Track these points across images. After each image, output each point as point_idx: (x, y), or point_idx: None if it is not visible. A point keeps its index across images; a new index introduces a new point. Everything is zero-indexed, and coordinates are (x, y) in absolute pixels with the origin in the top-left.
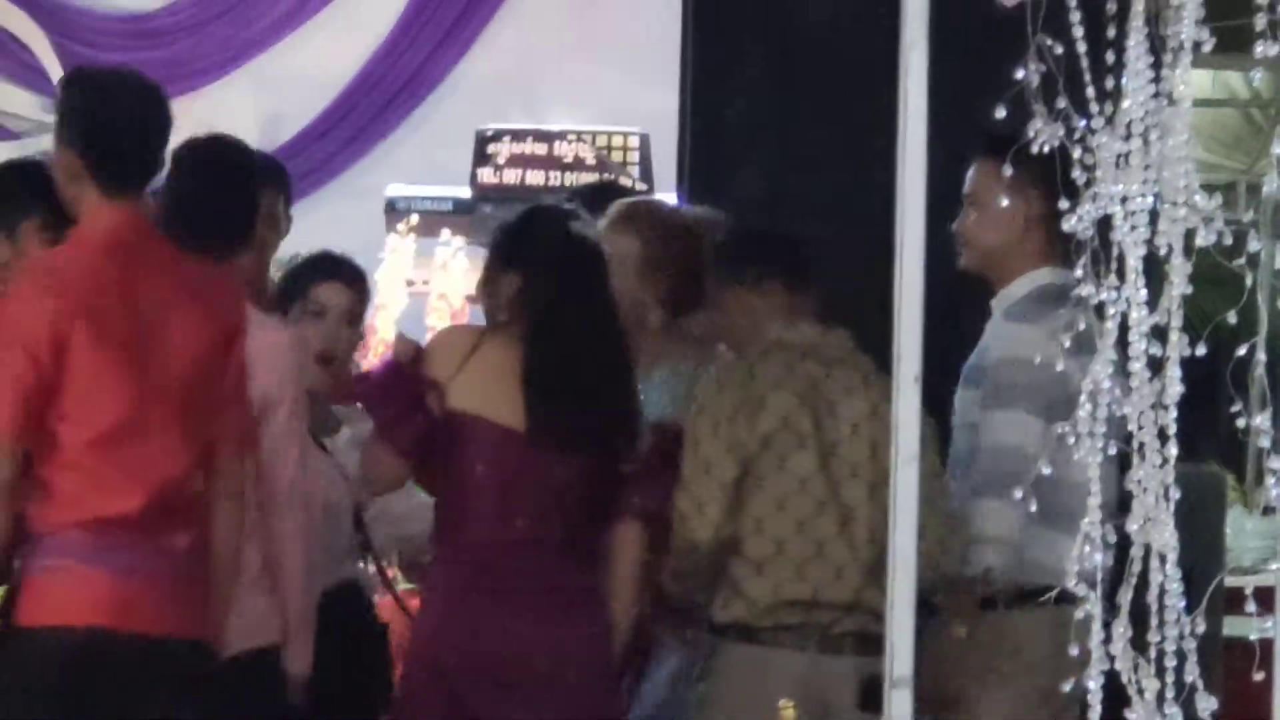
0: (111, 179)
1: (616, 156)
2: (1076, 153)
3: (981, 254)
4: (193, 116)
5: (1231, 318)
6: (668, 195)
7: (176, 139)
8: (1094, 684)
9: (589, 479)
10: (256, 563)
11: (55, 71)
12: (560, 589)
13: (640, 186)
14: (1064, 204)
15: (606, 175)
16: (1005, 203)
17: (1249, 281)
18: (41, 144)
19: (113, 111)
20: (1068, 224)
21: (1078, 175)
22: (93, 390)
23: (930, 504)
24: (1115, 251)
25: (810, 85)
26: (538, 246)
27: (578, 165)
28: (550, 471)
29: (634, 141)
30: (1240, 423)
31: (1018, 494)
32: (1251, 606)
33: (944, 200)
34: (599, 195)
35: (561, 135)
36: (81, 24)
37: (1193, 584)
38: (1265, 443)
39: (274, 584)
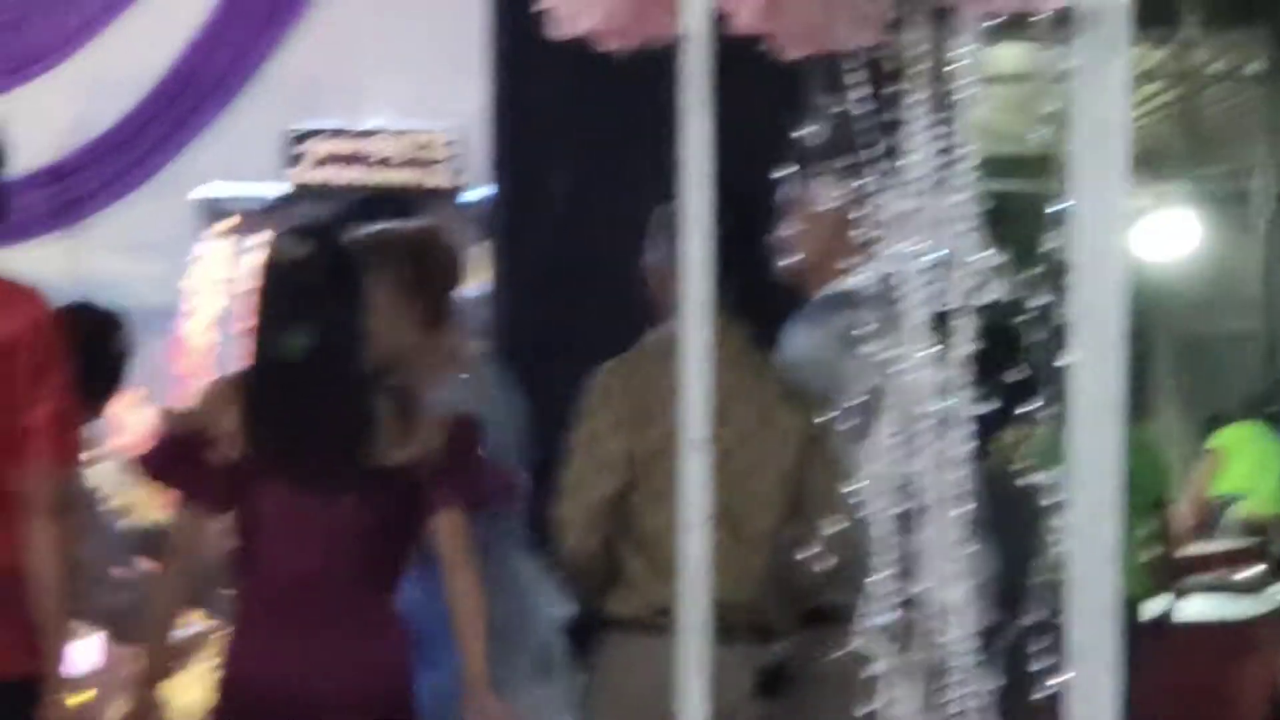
0: None
1: (428, 154)
2: (863, 211)
3: (800, 260)
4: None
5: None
6: (481, 192)
7: None
8: None
9: (371, 508)
10: None
11: None
12: (353, 616)
13: (456, 184)
14: (853, 261)
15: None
16: (820, 211)
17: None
18: None
19: None
20: (854, 281)
21: (862, 234)
22: None
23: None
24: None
25: (613, 76)
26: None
27: (388, 163)
28: (329, 502)
29: (444, 139)
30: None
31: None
32: None
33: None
34: (371, 206)
35: (372, 133)
36: None
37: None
38: None
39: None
